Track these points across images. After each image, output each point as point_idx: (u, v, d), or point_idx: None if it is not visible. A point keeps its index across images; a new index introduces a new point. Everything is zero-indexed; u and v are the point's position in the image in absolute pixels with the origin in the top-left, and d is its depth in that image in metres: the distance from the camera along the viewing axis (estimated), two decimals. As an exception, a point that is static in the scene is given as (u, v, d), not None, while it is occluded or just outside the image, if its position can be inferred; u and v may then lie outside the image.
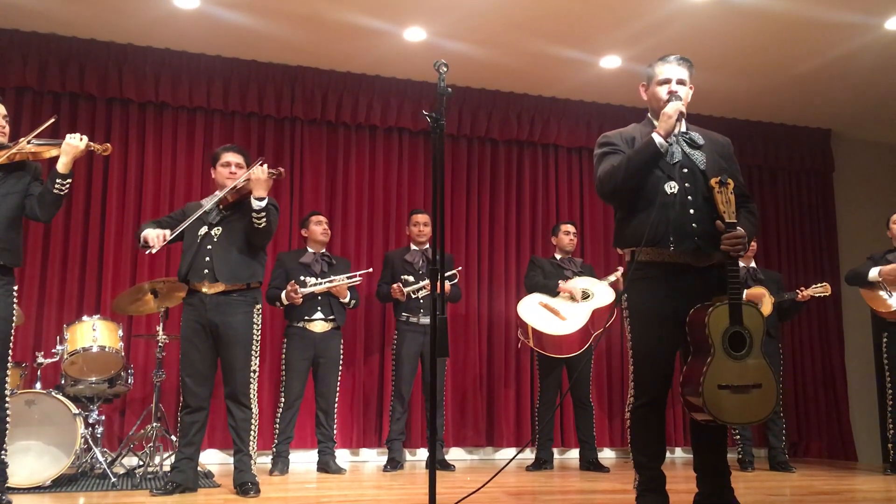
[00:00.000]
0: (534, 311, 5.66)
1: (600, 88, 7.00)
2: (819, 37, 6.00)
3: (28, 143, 3.76)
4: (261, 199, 4.04)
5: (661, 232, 3.04)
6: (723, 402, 2.90)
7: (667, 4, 5.52)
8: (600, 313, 5.63)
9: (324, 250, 5.60)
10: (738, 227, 3.01)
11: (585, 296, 5.69)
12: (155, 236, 4.04)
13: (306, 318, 5.36)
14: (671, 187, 3.08)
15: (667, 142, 3.07)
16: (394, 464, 5.54)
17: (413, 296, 5.63)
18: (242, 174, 4.22)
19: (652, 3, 5.52)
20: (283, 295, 5.31)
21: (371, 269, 5.93)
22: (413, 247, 5.83)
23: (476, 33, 5.96)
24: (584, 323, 5.56)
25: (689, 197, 3.08)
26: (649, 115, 3.30)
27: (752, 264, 6.01)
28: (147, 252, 4.09)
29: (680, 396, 3.05)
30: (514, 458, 4.49)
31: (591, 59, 6.41)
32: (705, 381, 2.89)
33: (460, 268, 6.07)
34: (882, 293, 5.50)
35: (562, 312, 5.61)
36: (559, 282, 5.75)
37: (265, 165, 4.09)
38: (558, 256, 6.01)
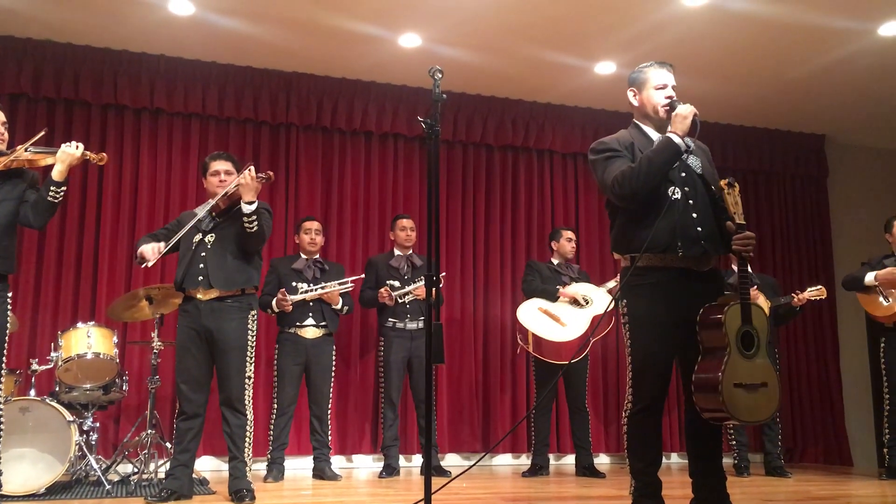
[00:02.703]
0: (534, 316, 5.65)
1: (595, 94, 7.01)
2: (813, 42, 6.03)
3: (25, 150, 3.76)
4: (250, 204, 4.04)
5: (668, 238, 3.05)
6: (738, 401, 2.94)
7: (661, 10, 5.53)
8: (599, 320, 5.61)
9: (317, 256, 5.60)
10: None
11: (585, 302, 5.68)
12: (150, 250, 4.10)
13: (297, 324, 5.35)
14: (674, 192, 3.09)
15: (684, 142, 3.08)
16: (390, 470, 5.52)
17: (399, 301, 5.61)
18: (232, 180, 4.23)
19: (646, 9, 5.53)
20: (273, 302, 5.30)
21: (364, 276, 5.92)
22: (397, 252, 5.82)
23: (471, 39, 5.97)
24: (585, 330, 5.55)
25: (691, 201, 3.10)
26: (635, 120, 3.31)
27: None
28: (143, 266, 4.14)
29: (691, 395, 3.04)
30: (507, 435, 4.48)
31: (586, 64, 6.43)
32: (724, 379, 2.92)
33: (443, 273, 6.06)
34: (879, 298, 5.53)
35: (562, 319, 5.60)
36: (559, 287, 5.75)
37: (252, 170, 4.09)
38: (556, 261, 6.00)
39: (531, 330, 5.60)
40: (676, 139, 3.06)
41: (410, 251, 5.82)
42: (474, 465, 3.79)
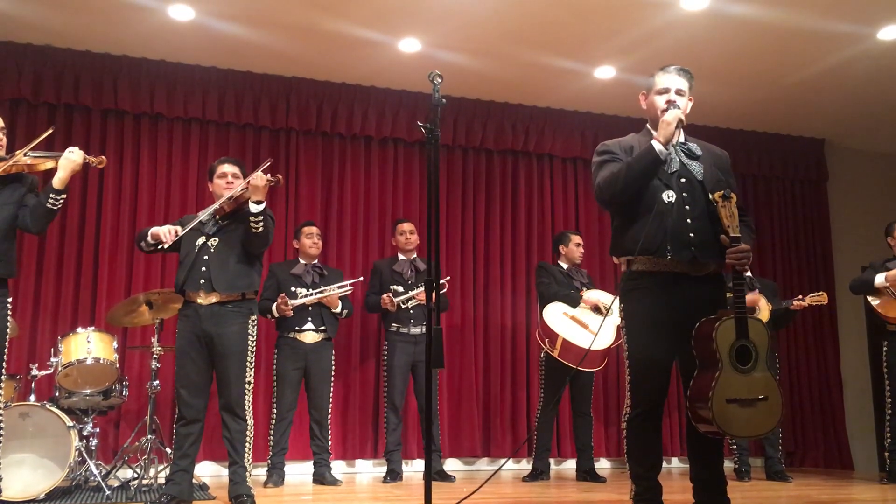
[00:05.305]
0: (563, 322, 5.53)
1: (594, 99, 7.02)
2: (812, 47, 6.03)
3: (25, 154, 3.76)
4: (258, 203, 4.04)
5: (658, 240, 3.05)
6: (731, 416, 2.91)
7: (661, 15, 5.54)
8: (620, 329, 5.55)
9: (315, 261, 5.59)
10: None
11: (606, 309, 5.59)
12: (166, 230, 4.06)
13: (297, 328, 5.35)
14: (669, 196, 3.09)
15: (666, 149, 3.08)
16: (393, 475, 5.51)
17: (403, 306, 5.59)
18: (239, 183, 4.23)
19: (646, 14, 5.54)
20: (273, 307, 5.30)
21: (362, 279, 5.91)
22: (401, 256, 5.81)
23: (471, 44, 5.98)
24: (612, 339, 5.48)
25: (687, 206, 3.10)
26: (648, 125, 3.31)
27: (748, 273, 6.01)
28: (158, 248, 4.09)
29: (687, 409, 3.04)
30: (523, 444, 4.47)
31: (586, 69, 6.44)
32: (714, 395, 2.90)
33: (448, 277, 6.05)
34: (875, 302, 5.54)
35: (591, 326, 5.50)
36: (579, 292, 5.66)
37: (263, 171, 4.08)
38: (565, 266, 5.91)
39: (563, 336, 5.43)
40: (658, 146, 3.07)
41: (414, 255, 5.81)
42: (491, 476, 3.78)
